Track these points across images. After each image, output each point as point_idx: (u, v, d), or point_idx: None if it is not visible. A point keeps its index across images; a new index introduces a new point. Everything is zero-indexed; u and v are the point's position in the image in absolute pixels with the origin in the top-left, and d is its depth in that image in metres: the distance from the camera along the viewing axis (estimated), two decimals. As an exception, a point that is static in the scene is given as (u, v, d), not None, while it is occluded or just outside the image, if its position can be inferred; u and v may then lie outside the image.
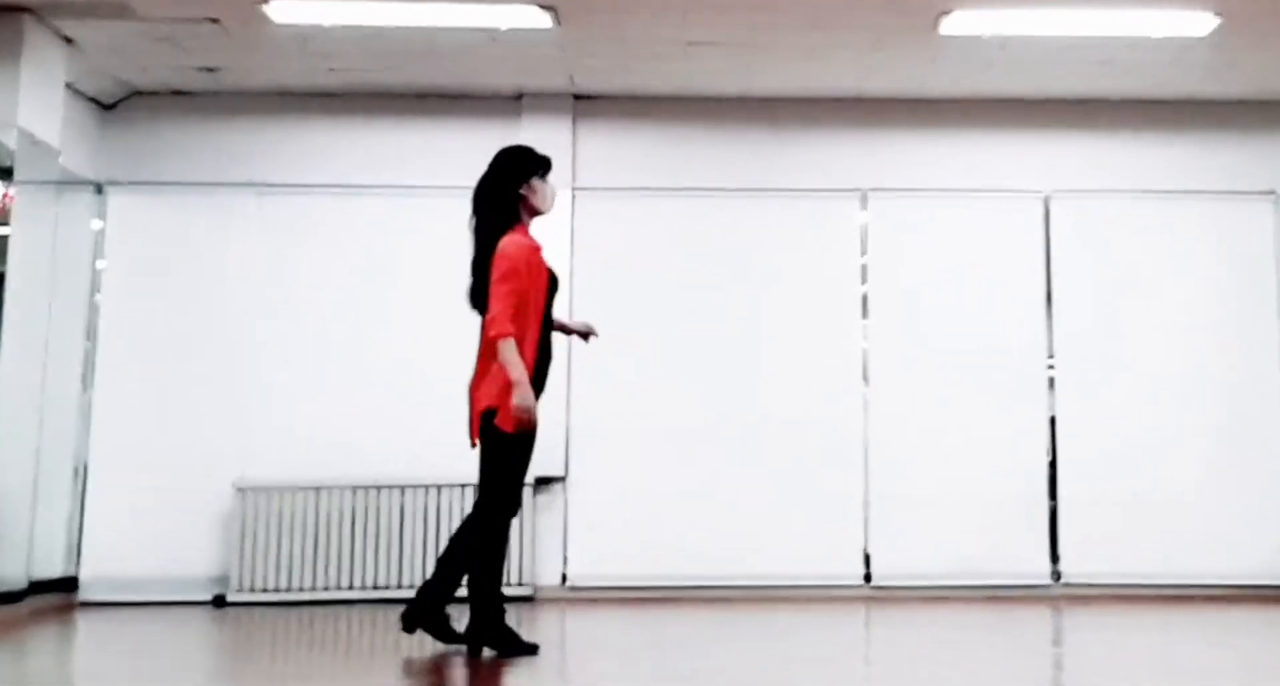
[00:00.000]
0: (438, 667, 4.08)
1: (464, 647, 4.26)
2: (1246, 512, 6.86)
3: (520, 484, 4.40)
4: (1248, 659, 4.29)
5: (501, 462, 4.28)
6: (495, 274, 4.21)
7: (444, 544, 6.55)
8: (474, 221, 4.45)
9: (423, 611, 4.31)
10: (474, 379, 4.37)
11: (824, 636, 5.04)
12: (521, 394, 4.15)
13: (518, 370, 4.16)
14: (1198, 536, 6.82)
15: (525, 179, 4.45)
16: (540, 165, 4.50)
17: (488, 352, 4.30)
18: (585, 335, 4.79)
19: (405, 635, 4.31)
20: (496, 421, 4.21)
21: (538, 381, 4.34)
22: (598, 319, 6.85)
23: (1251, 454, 6.92)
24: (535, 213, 4.48)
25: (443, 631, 4.31)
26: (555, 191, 4.60)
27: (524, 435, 4.25)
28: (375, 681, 3.79)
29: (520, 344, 4.21)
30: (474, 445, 4.35)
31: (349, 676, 3.91)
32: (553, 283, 4.47)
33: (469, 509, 6.47)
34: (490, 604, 4.22)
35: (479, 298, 4.35)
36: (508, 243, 4.29)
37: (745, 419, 6.90)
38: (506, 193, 4.42)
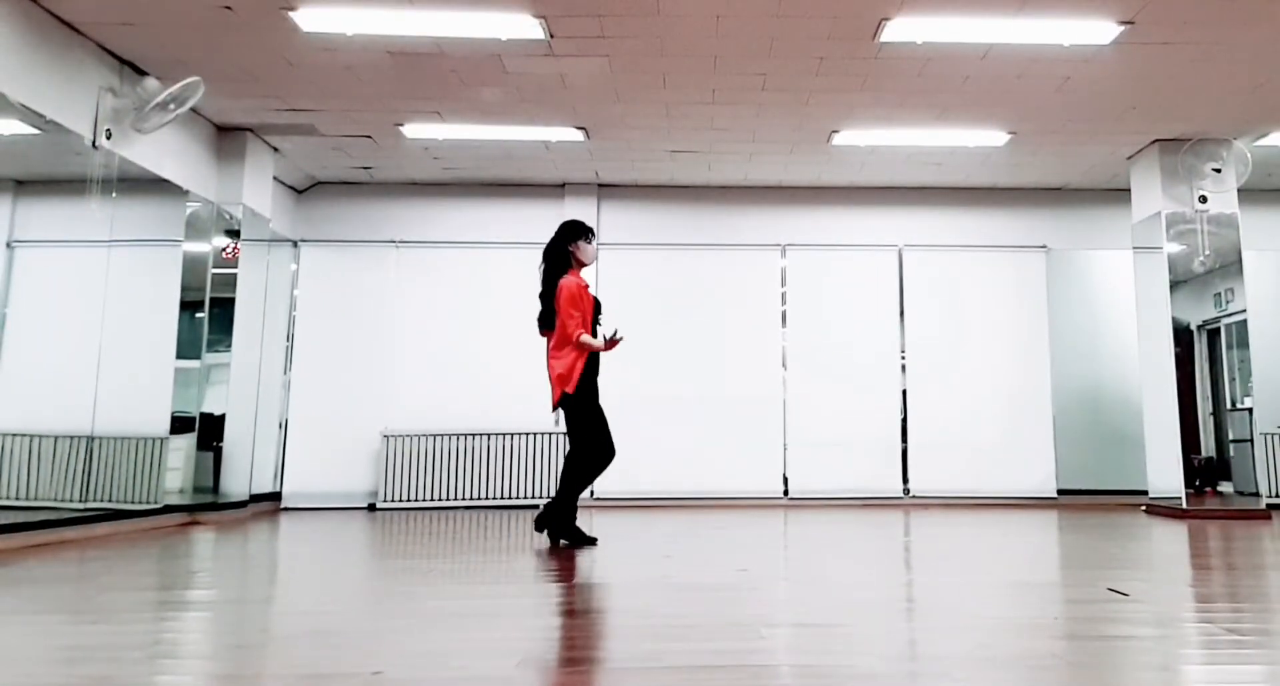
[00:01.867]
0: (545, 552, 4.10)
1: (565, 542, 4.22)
2: (1024, 454, 6.91)
3: (597, 437, 4.20)
4: (1026, 539, 4.32)
5: (579, 421, 4.19)
6: (560, 302, 4.15)
7: (513, 469, 6.65)
8: (542, 267, 4.32)
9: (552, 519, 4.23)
10: (550, 372, 4.24)
11: (757, 529, 5.06)
12: (599, 343, 4.16)
13: (593, 343, 4.15)
14: (995, 467, 6.86)
15: (574, 241, 4.33)
16: (584, 232, 4.36)
17: (556, 354, 4.19)
18: (612, 342, 4.42)
19: (485, 528, 4.32)
20: (568, 390, 4.14)
21: (594, 369, 4.26)
22: (614, 330, 6.94)
23: (1028, 417, 6.97)
24: (582, 264, 4.34)
25: (578, 537, 4.23)
26: (597, 250, 4.47)
27: (586, 402, 4.16)
28: (469, 557, 3.81)
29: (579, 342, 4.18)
30: (555, 409, 4.29)
31: (444, 548, 3.94)
32: (597, 307, 4.36)
33: (529, 447, 6.52)
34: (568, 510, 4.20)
35: (546, 321, 4.24)
36: (565, 281, 4.20)
37: (709, 391, 6.94)
38: (562, 250, 4.31)
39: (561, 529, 4.20)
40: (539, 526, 4.27)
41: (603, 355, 4.33)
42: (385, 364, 6.88)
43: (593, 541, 4.23)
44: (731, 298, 7.09)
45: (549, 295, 4.25)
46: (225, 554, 3.96)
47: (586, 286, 4.35)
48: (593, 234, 4.43)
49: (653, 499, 6.74)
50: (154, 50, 4.76)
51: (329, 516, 6.02)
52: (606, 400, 6.88)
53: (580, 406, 4.20)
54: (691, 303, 7.05)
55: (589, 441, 4.21)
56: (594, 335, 4.30)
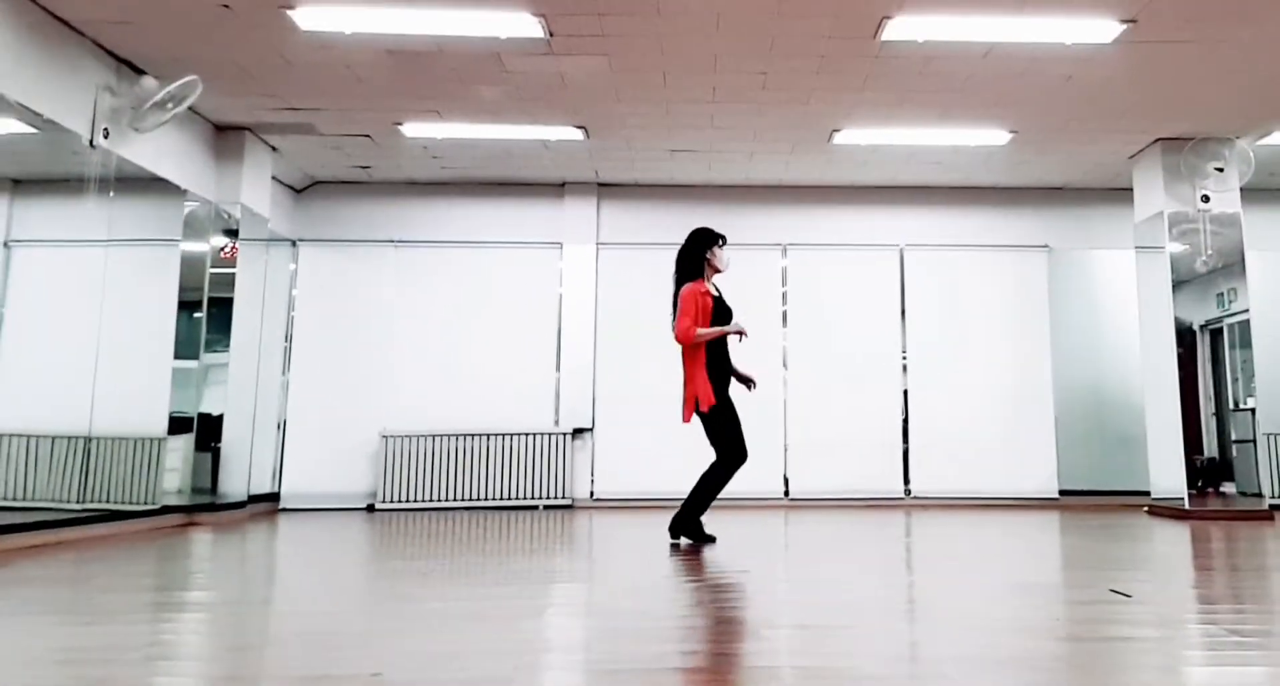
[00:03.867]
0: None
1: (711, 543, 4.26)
2: (1026, 455, 6.91)
3: (740, 439, 4.25)
4: (1027, 540, 4.32)
5: (719, 429, 4.21)
6: (681, 304, 4.21)
7: (514, 470, 6.65)
8: (675, 275, 4.34)
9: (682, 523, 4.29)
10: (684, 385, 4.28)
11: (758, 530, 5.06)
12: (728, 328, 4.19)
13: (713, 332, 4.16)
14: (997, 468, 6.86)
15: (709, 247, 4.34)
16: (717, 238, 4.38)
17: (687, 361, 4.26)
18: (747, 381, 4.45)
19: (484, 529, 4.31)
20: (701, 408, 4.19)
21: (724, 375, 4.25)
22: (613, 330, 6.96)
23: (1031, 415, 6.96)
24: (715, 270, 4.38)
25: (699, 535, 4.30)
26: (730, 257, 4.46)
27: (725, 406, 4.19)
28: (469, 558, 3.81)
29: (698, 350, 4.22)
30: (687, 420, 4.33)
31: (443, 549, 3.94)
32: (727, 312, 4.36)
33: (529, 448, 6.53)
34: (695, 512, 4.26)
35: (673, 324, 4.28)
36: (684, 290, 4.25)
37: (708, 391, 6.90)
38: (697, 256, 4.33)
39: (684, 526, 4.27)
40: (674, 533, 4.30)
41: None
42: (384, 364, 6.88)
43: (712, 539, 4.31)
44: (733, 298, 7.02)
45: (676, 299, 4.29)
46: (223, 555, 3.96)
47: (708, 292, 4.33)
48: (725, 240, 4.43)
49: (652, 499, 6.73)
50: (152, 49, 4.76)
51: (327, 517, 6.02)
52: (607, 400, 6.97)
53: (718, 417, 4.22)
54: (692, 302, 7.04)
55: (730, 447, 4.24)
56: (722, 353, 4.31)
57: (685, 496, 4.37)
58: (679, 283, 4.33)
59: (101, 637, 2.18)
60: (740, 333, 4.26)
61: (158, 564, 3.62)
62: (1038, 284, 7.12)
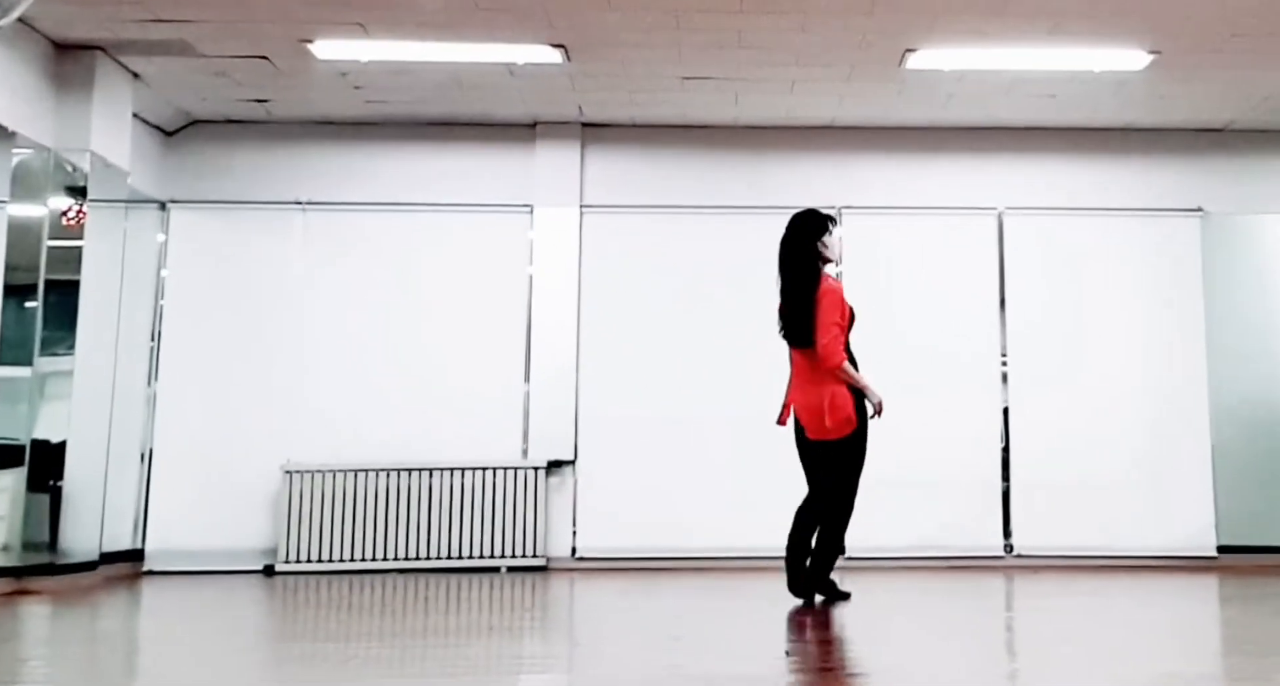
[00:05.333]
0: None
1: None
2: (1174, 493, 6.88)
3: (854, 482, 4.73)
4: (1175, 614, 4.30)
5: (850, 461, 4.66)
6: (823, 311, 4.55)
7: (466, 518, 6.65)
8: (785, 269, 4.73)
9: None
10: (803, 393, 4.72)
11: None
12: (873, 391, 4.61)
13: (861, 379, 4.59)
14: (1132, 514, 6.84)
15: (820, 236, 4.71)
16: (827, 223, 4.75)
17: (822, 373, 4.59)
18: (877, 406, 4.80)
19: (426, 599, 4.32)
20: (835, 431, 4.59)
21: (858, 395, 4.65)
22: (603, 324, 6.95)
23: (1179, 442, 6.93)
24: (826, 261, 4.75)
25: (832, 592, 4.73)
26: (840, 243, 4.84)
27: (864, 432, 4.65)
28: (405, 641, 3.80)
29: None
30: (813, 438, 4.70)
31: (369, 627, 3.93)
32: (852, 316, 4.72)
33: (487, 488, 6.56)
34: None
35: (802, 334, 4.62)
36: (828, 287, 4.63)
37: (730, 411, 6.86)
38: (810, 247, 4.70)
39: (819, 583, 4.70)
40: (801, 593, 4.66)
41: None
42: (289, 373, 6.85)
43: (847, 596, 4.74)
44: (765, 281, 7.02)
45: (804, 300, 4.62)
46: (65, 636, 3.94)
47: (842, 291, 4.72)
48: (835, 221, 4.81)
49: (654, 558, 6.72)
50: (-33, -62, 4.74)
51: (210, 582, 6.00)
52: (593, 422, 6.94)
53: (855, 446, 4.63)
54: (709, 288, 7.02)
55: (849, 491, 4.67)
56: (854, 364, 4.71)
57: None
58: (799, 274, 4.65)
59: (-107, 751, 2.16)
60: (879, 409, 4.66)
61: (-26, 648, 3.60)
62: (1188, 260, 7.09)
